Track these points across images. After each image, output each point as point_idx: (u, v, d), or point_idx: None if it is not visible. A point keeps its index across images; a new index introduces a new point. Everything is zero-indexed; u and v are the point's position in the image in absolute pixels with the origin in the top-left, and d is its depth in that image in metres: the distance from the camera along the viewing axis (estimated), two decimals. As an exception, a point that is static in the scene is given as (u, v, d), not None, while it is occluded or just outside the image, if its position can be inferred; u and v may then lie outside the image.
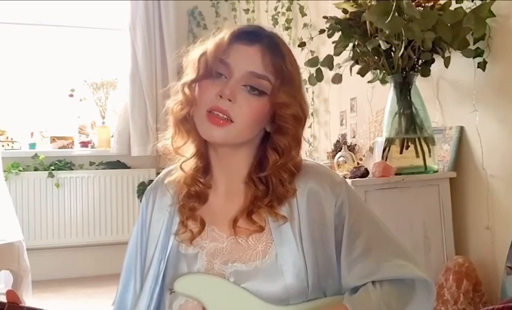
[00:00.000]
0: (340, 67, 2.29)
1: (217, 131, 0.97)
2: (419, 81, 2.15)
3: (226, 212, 1.04)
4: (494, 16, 1.95)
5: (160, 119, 1.11)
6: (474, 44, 2.00)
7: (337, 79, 2.31)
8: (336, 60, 2.27)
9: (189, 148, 1.06)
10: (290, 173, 1.01)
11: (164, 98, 1.06)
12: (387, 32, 1.91)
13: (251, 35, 1.00)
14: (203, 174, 1.06)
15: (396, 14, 1.85)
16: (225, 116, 0.96)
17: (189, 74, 1.02)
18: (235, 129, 0.97)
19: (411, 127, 2.11)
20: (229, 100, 0.96)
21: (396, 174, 2.07)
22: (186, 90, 1.00)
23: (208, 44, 1.01)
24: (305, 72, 2.75)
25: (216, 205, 1.05)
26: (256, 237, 1.00)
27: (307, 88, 3.16)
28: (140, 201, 4.32)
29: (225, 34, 1.00)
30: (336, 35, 2.18)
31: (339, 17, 2.16)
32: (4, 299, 0.96)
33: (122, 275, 1.10)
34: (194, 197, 1.05)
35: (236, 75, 0.97)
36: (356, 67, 2.25)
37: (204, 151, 1.05)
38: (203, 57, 1.00)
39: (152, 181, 1.14)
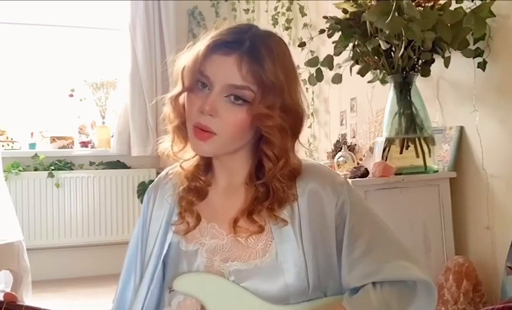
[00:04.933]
0: (340, 67, 2.29)
1: (204, 146, 0.97)
2: (419, 81, 2.15)
3: (227, 210, 1.04)
4: (494, 16, 1.95)
5: (160, 121, 1.13)
6: (474, 44, 2.00)
7: (337, 79, 2.31)
8: (336, 60, 2.27)
9: (189, 151, 1.06)
10: (288, 179, 1.00)
11: (163, 98, 1.06)
12: (387, 32, 1.91)
13: (230, 44, 0.96)
14: (204, 172, 1.07)
15: (396, 14, 1.85)
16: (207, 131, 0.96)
17: (177, 85, 1.01)
18: (220, 141, 0.96)
19: (411, 127, 2.11)
20: (210, 115, 0.95)
21: (396, 174, 2.07)
22: (173, 104, 1.01)
23: (192, 53, 0.99)
24: (305, 72, 2.75)
25: (217, 202, 1.06)
26: (256, 237, 1.00)
27: (307, 88, 3.16)
28: (141, 201, 4.33)
29: (202, 45, 0.97)
30: (336, 35, 2.18)
31: (339, 17, 2.16)
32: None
33: (123, 272, 1.11)
34: (193, 191, 1.05)
35: (216, 88, 0.95)
36: (356, 67, 2.25)
37: None
38: (184, 70, 0.99)
39: (152, 181, 1.15)
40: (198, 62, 0.96)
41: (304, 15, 3.41)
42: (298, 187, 1.01)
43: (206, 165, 1.07)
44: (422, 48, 2.01)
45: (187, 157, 1.06)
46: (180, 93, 1.00)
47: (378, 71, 2.25)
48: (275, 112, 0.95)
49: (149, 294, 1.03)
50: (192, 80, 0.97)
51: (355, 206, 1.01)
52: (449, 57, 2.06)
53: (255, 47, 0.96)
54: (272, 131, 0.96)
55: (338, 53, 2.22)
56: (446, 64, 2.07)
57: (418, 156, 2.09)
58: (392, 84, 2.16)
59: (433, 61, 2.10)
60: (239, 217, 1.01)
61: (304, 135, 1.05)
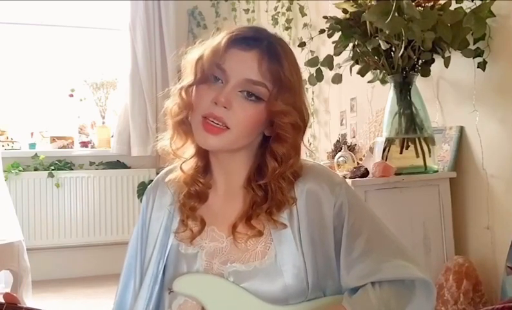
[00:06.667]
0: (340, 67, 2.29)
1: (212, 139, 0.96)
2: (419, 81, 2.15)
3: (226, 213, 1.04)
4: (494, 16, 1.95)
5: (160, 119, 1.13)
6: (474, 44, 2.00)
7: (337, 79, 2.31)
8: (336, 60, 2.27)
9: (189, 149, 1.06)
10: (289, 181, 1.00)
11: (163, 97, 1.06)
12: (387, 32, 1.91)
13: (249, 40, 0.98)
14: (203, 174, 1.06)
15: (396, 14, 1.85)
16: (220, 123, 0.95)
17: (187, 77, 1.01)
18: (231, 136, 0.96)
19: (411, 127, 2.11)
20: (225, 107, 0.95)
21: (396, 174, 2.07)
22: (183, 94, 1.00)
23: (206, 47, 0.99)
24: (305, 72, 2.75)
25: (216, 205, 1.06)
26: (255, 240, 1.00)
27: (307, 88, 3.16)
28: (141, 201, 4.32)
29: (222, 38, 0.98)
30: (336, 35, 2.18)
31: (339, 17, 2.16)
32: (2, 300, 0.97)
33: (123, 274, 1.10)
34: (194, 196, 1.05)
35: (232, 81, 0.96)
36: (356, 67, 2.25)
37: (203, 151, 1.05)
38: (200, 62, 0.98)
39: (152, 181, 1.14)
40: (218, 54, 0.96)
41: (304, 15, 3.41)
42: (296, 189, 1.01)
43: (205, 167, 1.07)
44: (422, 48, 2.01)
45: (187, 156, 1.06)
46: (192, 84, 0.99)
47: (378, 71, 2.25)
48: (291, 109, 0.97)
49: (149, 298, 1.03)
50: (207, 72, 0.97)
51: (353, 207, 1.01)
52: (449, 57, 2.06)
53: (273, 46, 0.98)
54: (287, 128, 0.98)
55: (338, 53, 2.22)
56: (446, 64, 2.07)
57: (418, 156, 2.09)
58: (392, 84, 2.15)
59: (433, 61, 2.10)
60: (238, 223, 1.01)
61: (304, 141, 1.05)
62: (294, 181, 1.01)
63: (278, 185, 0.99)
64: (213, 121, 0.95)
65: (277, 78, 0.97)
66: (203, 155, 1.06)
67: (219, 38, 0.98)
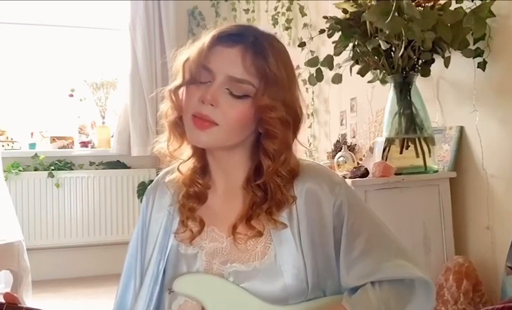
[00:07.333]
0: (340, 67, 2.29)
1: (202, 135, 0.96)
2: (419, 81, 2.15)
3: (226, 213, 1.04)
4: (494, 16, 1.95)
5: (159, 120, 1.14)
6: (474, 44, 2.00)
7: (337, 79, 2.31)
8: (336, 60, 2.27)
9: (186, 150, 1.06)
10: (287, 180, 1.00)
11: (163, 98, 1.06)
12: (387, 32, 1.91)
13: (234, 36, 0.98)
14: (201, 175, 1.06)
15: (396, 14, 1.85)
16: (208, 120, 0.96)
17: (177, 79, 1.01)
18: (220, 131, 0.96)
19: (411, 127, 2.11)
20: (211, 105, 0.95)
21: (396, 174, 2.07)
22: (172, 96, 1.01)
23: (194, 47, 1.00)
24: (305, 72, 2.75)
25: (216, 206, 1.06)
26: (255, 240, 1.00)
27: (307, 88, 3.16)
28: (141, 201, 4.33)
29: (205, 40, 0.98)
30: (336, 35, 2.18)
31: (339, 17, 2.16)
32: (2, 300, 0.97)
33: (123, 275, 1.11)
34: (193, 197, 1.05)
35: (218, 79, 0.96)
36: (356, 67, 2.25)
37: (200, 152, 1.05)
38: (187, 63, 0.99)
39: (152, 181, 1.14)
40: (203, 54, 0.97)
41: (304, 15, 3.41)
42: (295, 188, 1.01)
43: (203, 168, 1.07)
44: (422, 48, 2.01)
45: (184, 158, 1.06)
46: (180, 86, 1.00)
47: (378, 71, 2.25)
48: (278, 105, 0.97)
49: (149, 298, 1.03)
50: (194, 73, 0.97)
51: (353, 206, 1.01)
52: (449, 57, 2.06)
53: (258, 42, 0.98)
54: (275, 123, 0.97)
55: (338, 53, 2.22)
56: (446, 64, 2.07)
57: (418, 156, 2.09)
58: (392, 84, 2.15)
59: (433, 61, 2.10)
60: (238, 224, 1.01)
61: (304, 135, 1.05)
62: (292, 179, 1.00)
63: (276, 184, 0.99)
64: (201, 119, 0.96)
65: (263, 73, 0.96)
66: (200, 156, 1.06)
67: (204, 39, 0.99)
